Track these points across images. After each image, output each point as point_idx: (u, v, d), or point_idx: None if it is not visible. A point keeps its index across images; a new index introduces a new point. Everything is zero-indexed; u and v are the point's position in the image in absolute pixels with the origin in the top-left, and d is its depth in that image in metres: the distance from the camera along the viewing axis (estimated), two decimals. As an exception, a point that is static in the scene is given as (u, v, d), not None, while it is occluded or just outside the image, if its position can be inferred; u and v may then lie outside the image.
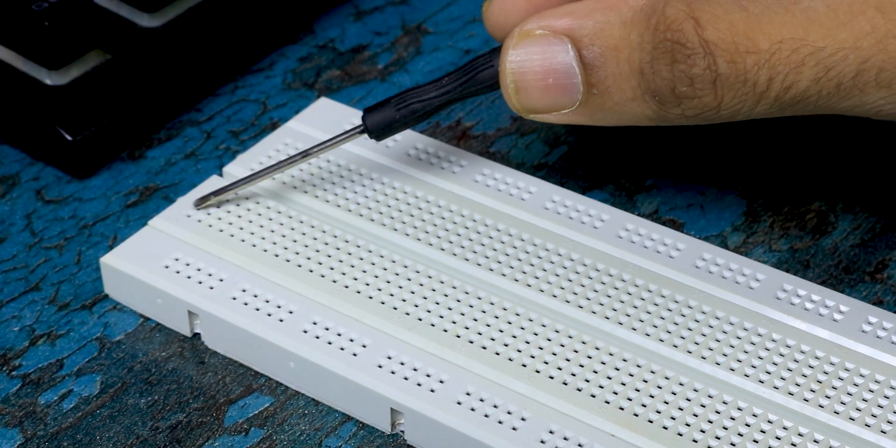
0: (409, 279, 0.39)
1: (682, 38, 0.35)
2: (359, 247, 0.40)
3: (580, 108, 0.37)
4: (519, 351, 0.37)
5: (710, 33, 0.35)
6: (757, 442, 0.35)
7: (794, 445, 0.35)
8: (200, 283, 0.39)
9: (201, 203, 0.40)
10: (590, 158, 0.45)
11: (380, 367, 0.37)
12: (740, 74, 0.35)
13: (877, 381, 0.36)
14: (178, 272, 0.39)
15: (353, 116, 0.44)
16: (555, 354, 0.37)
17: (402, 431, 0.37)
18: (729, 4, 0.35)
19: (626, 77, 0.36)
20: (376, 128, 0.40)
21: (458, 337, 0.37)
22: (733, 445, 0.35)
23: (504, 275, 0.39)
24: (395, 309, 0.38)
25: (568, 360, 0.37)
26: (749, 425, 0.35)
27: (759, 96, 0.35)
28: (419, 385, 0.36)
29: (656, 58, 0.35)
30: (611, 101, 0.36)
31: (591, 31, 0.36)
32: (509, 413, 0.36)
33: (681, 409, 0.36)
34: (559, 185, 0.42)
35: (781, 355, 0.37)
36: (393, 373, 0.36)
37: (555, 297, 0.38)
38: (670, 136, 0.46)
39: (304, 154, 0.40)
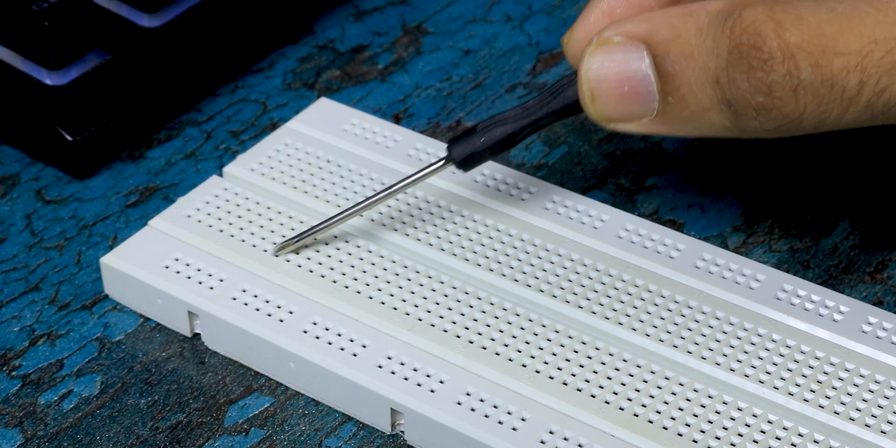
0: (410, 280, 0.39)
1: (758, 42, 0.33)
2: (359, 247, 0.40)
3: (658, 118, 0.35)
4: (519, 351, 0.37)
5: (793, 36, 0.33)
6: (757, 442, 0.35)
7: (794, 446, 0.35)
8: (200, 283, 0.39)
9: (281, 249, 0.39)
10: (590, 158, 0.45)
11: (380, 367, 0.37)
12: (826, 79, 0.33)
13: (877, 382, 0.36)
14: (178, 272, 0.39)
15: (354, 117, 0.44)
16: (555, 355, 0.37)
17: (402, 432, 0.37)
18: (814, 5, 0.33)
19: (701, 86, 0.34)
20: (462, 158, 0.38)
21: (459, 337, 0.37)
22: (733, 446, 0.35)
23: (504, 275, 0.39)
24: (396, 309, 0.38)
25: (568, 360, 0.37)
26: (749, 425, 0.35)
27: (847, 103, 0.33)
28: (419, 385, 0.36)
29: (731, 64, 0.33)
30: (687, 110, 0.35)
31: (667, 38, 0.34)
32: (509, 413, 0.36)
33: (681, 410, 0.36)
34: (559, 186, 0.42)
35: (781, 356, 0.37)
36: (393, 373, 0.36)
37: (555, 297, 0.38)
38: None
39: (389, 190, 0.39)
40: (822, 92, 0.33)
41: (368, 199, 0.39)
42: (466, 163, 0.38)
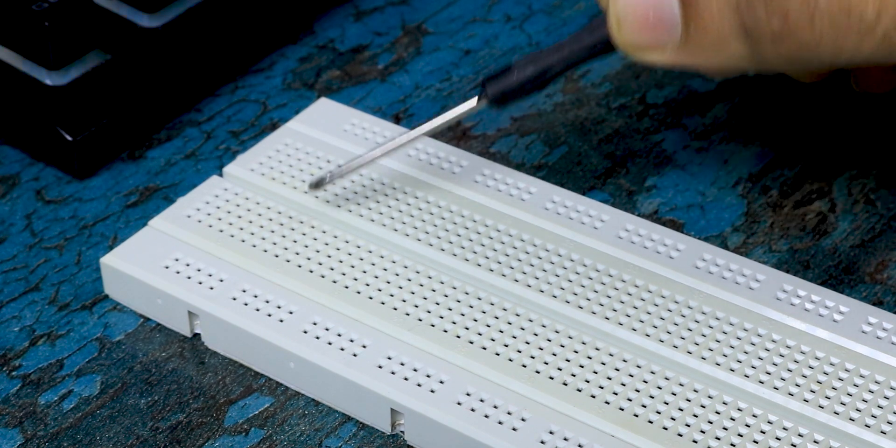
0: (410, 280, 0.39)
1: None
2: (359, 247, 0.40)
3: (682, 47, 0.36)
4: (519, 351, 0.37)
5: None
6: (757, 442, 0.35)
7: (794, 446, 0.35)
8: (200, 283, 0.39)
9: (318, 186, 0.40)
10: (590, 159, 0.45)
11: (380, 367, 0.37)
12: (843, 7, 0.33)
13: (877, 382, 0.36)
14: (178, 272, 0.39)
15: (354, 117, 0.44)
16: (555, 355, 0.37)
17: (402, 432, 0.37)
18: None
19: (721, 12, 0.34)
20: (496, 95, 0.39)
21: (459, 337, 0.37)
22: (733, 446, 0.35)
23: (504, 275, 0.39)
24: (396, 309, 0.38)
25: (568, 360, 0.37)
26: (749, 426, 0.35)
27: (864, 33, 0.33)
28: (419, 385, 0.36)
29: None
30: (708, 38, 0.35)
31: None
32: (509, 413, 0.36)
33: (681, 410, 0.36)
34: (559, 186, 0.42)
35: (781, 356, 0.37)
36: (393, 373, 0.36)
37: (555, 297, 0.38)
38: (669, 134, 0.46)
39: (423, 128, 0.39)
40: (838, 19, 0.33)
41: (404, 136, 0.40)
42: (500, 100, 0.39)
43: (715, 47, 0.35)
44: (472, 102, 0.39)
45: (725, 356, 0.37)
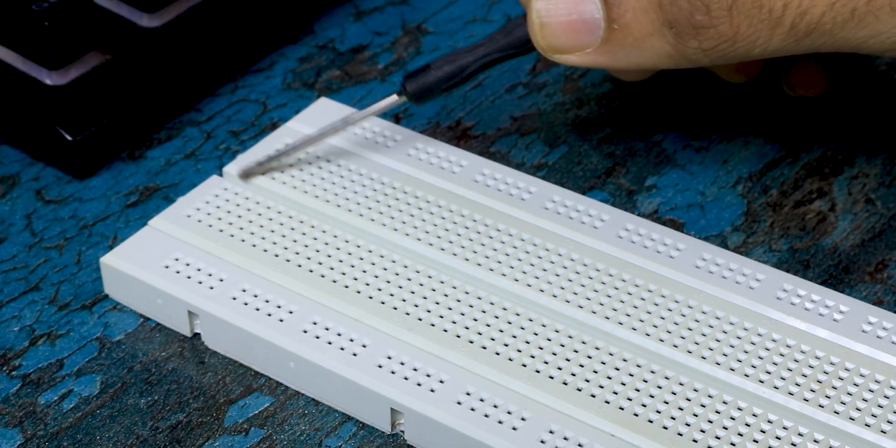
0: (409, 279, 0.39)
1: None
2: (359, 247, 0.40)
3: (602, 47, 0.37)
4: (519, 351, 0.37)
5: None
6: (757, 442, 0.35)
7: (794, 445, 0.35)
8: (200, 283, 0.39)
9: (247, 176, 0.41)
10: (590, 158, 0.45)
11: (380, 367, 0.37)
12: (756, 0, 0.35)
13: (877, 381, 0.36)
14: (178, 272, 0.39)
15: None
16: (555, 354, 0.37)
17: (402, 431, 0.37)
18: None
19: (644, 10, 0.36)
20: (415, 91, 0.41)
21: (458, 337, 0.37)
22: (733, 445, 0.35)
23: (504, 275, 0.39)
24: (395, 309, 0.38)
25: (568, 360, 0.37)
26: (749, 425, 0.35)
27: (774, 23, 0.36)
28: (419, 385, 0.36)
29: None
30: (631, 36, 0.37)
31: None
32: (509, 413, 0.36)
33: (681, 409, 0.36)
34: (559, 185, 0.42)
35: (781, 355, 0.37)
36: (393, 373, 0.36)
37: (555, 297, 0.38)
38: (669, 134, 0.46)
39: (345, 121, 0.41)
40: (752, 12, 0.36)
41: (328, 126, 0.41)
42: (418, 96, 0.41)
43: (636, 45, 0.37)
44: (392, 98, 0.41)
45: (725, 355, 0.37)
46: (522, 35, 0.40)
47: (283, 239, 0.40)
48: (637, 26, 0.37)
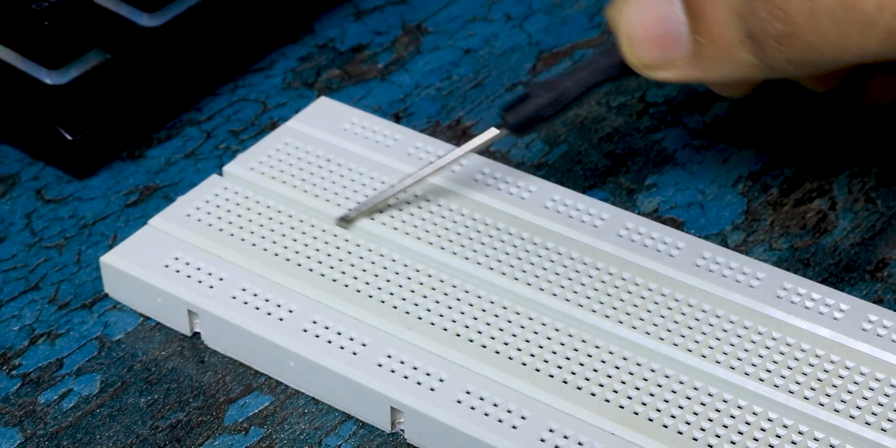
0: (409, 278, 0.39)
1: None
2: (358, 246, 0.40)
3: (692, 60, 0.36)
4: (519, 349, 0.37)
5: None
6: (757, 440, 0.35)
7: (795, 444, 0.35)
8: (200, 282, 0.39)
9: (348, 222, 0.40)
10: (590, 157, 0.45)
11: (379, 365, 0.37)
12: (843, 2, 0.32)
13: (877, 380, 0.36)
14: (177, 271, 0.39)
15: (353, 116, 0.44)
16: (554, 353, 0.37)
17: (402, 430, 0.37)
18: None
19: (727, 21, 0.35)
20: (517, 122, 0.39)
21: (458, 335, 0.37)
22: (733, 444, 0.35)
23: (504, 273, 0.39)
24: (395, 308, 0.38)
25: (568, 358, 0.37)
26: (749, 423, 0.35)
27: (866, 27, 0.33)
28: (419, 384, 0.36)
29: None
30: (717, 48, 0.35)
31: None
32: (509, 412, 0.36)
33: (681, 408, 0.35)
34: (559, 184, 0.42)
35: (781, 354, 0.37)
36: (393, 371, 0.36)
37: (554, 295, 0.38)
38: (670, 133, 0.46)
39: (444, 159, 0.39)
40: (839, 14, 0.33)
41: (424, 170, 0.40)
42: (521, 128, 0.39)
43: (724, 57, 0.35)
44: (491, 132, 0.39)
45: (725, 354, 0.37)
46: (617, 54, 0.38)
47: (283, 238, 0.40)
48: (721, 38, 0.35)
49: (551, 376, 0.36)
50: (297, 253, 0.39)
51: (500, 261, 0.39)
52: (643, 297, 0.38)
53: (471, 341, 0.37)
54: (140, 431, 0.37)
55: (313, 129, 0.43)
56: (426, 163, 0.39)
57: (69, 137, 0.43)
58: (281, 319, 0.38)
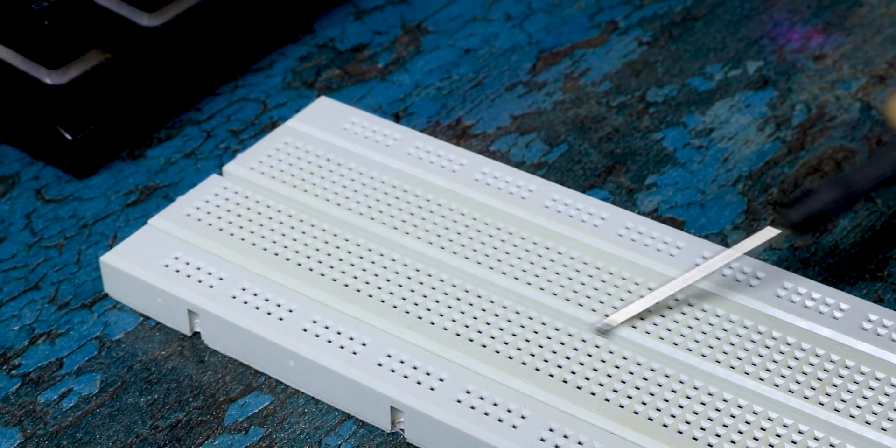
0: (409, 277, 0.39)
1: None
2: (358, 245, 0.40)
3: None
4: (519, 349, 0.37)
5: None
6: (757, 439, 0.35)
7: (795, 443, 0.35)
8: (200, 281, 0.39)
9: (606, 331, 0.37)
10: (590, 157, 0.45)
11: (379, 365, 0.37)
12: None
13: (877, 379, 0.36)
14: (177, 271, 0.39)
15: (353, 115, 0.44)
16: (554, 353, 0.37)
17: (402, 430, 0.37)
18: None
19: None
20: (800, 220, 0.37)
21: (458, 335, 0.37)
22: (733, 443, 0.35)
23: (503, 273, 0.39)
24: (395, 307, 0.38)
25: (568, 358, 0.37)
26: (749, 423, 0.35)
27: None
28: (419, 383, 0.36)
29: None
30: None
31: None
32: (509, 411, 0.36)
33: (681, 407, 0.35)
34: (559, 184, 0.42)
35: (781, 353, 0.37)
36: (392, 371, 0.36)
37: (554, 295, 0.38)
38: (670, 133, 0.46)
39: (714, 262, 0.38)
40: None
41: (692, 274, 0.38)
42: (803, 226, 0.38)
43: None
44: (767, 232, 0.38)
45: (725, 353, 0.37)
46: None
47: (283, 238, 0.40)
48: None
49: (551, 376, 0.36)
50: (297, 252, 0.39)
51: (499, 260, 0.39)
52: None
53: (471, 341, 0.37)
54: (140, 431, 0.37)
55: (313, 128, 0.43)
56: (692, 266, 0.37)
57: (69, 137, 0.43)
58: (281, 319, 0.38)
